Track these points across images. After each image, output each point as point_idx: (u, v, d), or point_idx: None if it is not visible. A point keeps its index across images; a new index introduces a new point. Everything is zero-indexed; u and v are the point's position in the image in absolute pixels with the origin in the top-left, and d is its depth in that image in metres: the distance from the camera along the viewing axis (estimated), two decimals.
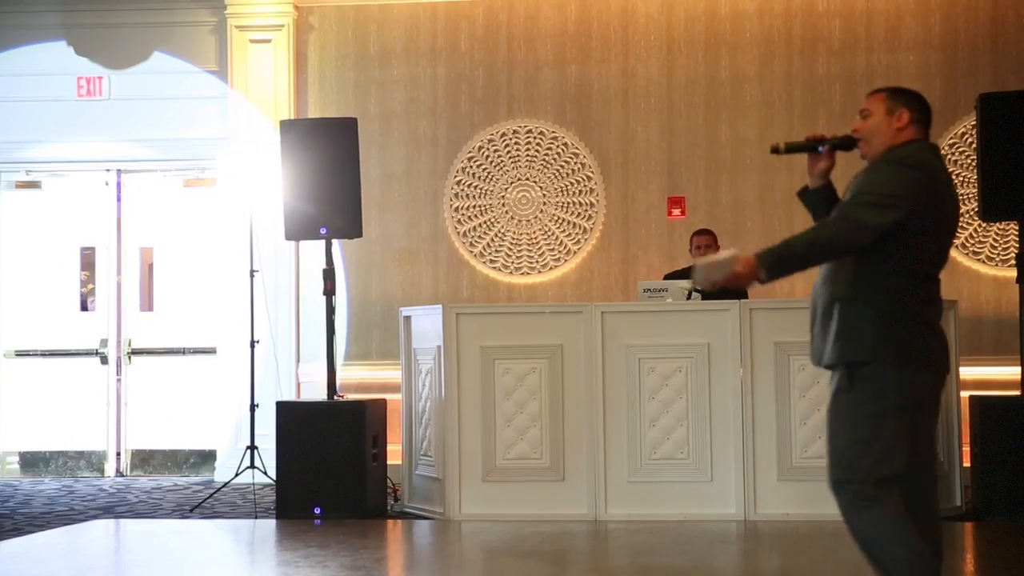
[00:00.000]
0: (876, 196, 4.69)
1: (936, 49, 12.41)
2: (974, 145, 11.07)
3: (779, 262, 4.60)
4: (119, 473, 13.05)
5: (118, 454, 13.16)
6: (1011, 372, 10.24)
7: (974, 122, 10.76)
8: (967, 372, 10.28)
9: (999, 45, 12.24)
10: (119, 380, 13.16)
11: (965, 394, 10.05)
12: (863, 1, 12.52)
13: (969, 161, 11.70)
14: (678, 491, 9.55)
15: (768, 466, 9.53)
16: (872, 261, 4.69)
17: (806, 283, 12.39)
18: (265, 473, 10.66)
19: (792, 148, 4.76)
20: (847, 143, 4.83)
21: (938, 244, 4.90)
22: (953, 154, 12.27)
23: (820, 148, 4.70)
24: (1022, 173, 9.75)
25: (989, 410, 9.78)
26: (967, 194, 11.49)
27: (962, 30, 12.34)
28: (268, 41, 12.75)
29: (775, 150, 4.73)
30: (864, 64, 12.51)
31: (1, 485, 12.39)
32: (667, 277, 10.91)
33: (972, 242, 12.28)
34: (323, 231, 10.48)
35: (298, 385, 12.29)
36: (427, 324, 10.14)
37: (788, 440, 9.54)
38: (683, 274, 10.82)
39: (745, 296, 10.66)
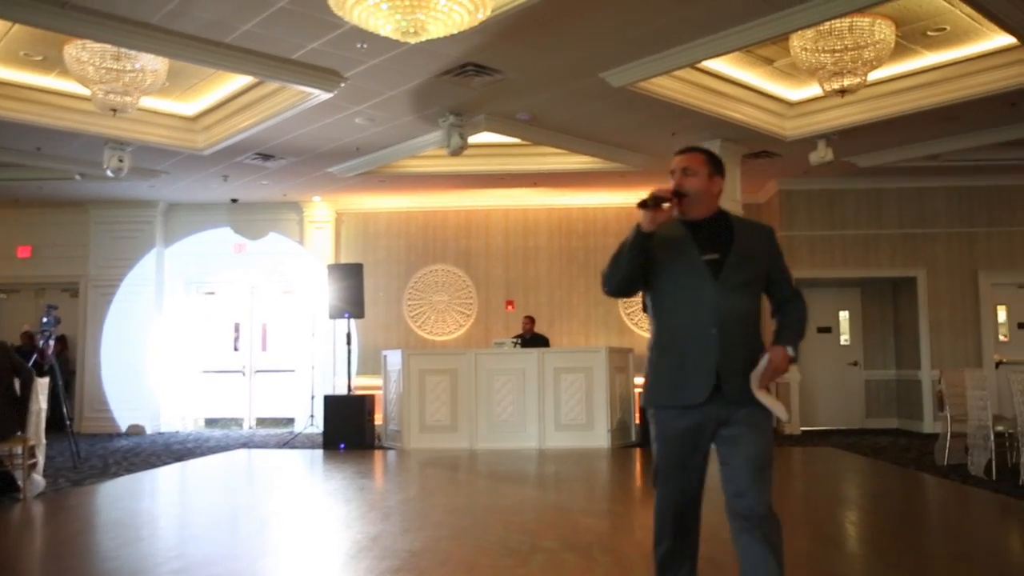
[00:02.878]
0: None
1: (624, 235, 12.43)
2: None
3: (799, 342, 2.82)
4: (250, 428, 12.86)
5: (249, 419, 13.01)
6: None
7: None
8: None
9: None
10: (250, 383, 13.00)
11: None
12: (591, 213, 12.64)
13: None
14: (510, 435, 9.52)
15: (550, 423, 9.53)
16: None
17: (571, 338, 12.77)
18: (317, 428, 10.68)
19: (655, 201, 2.76)
20: (681, 197, 2.83)
21: None
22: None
23: (665, 204, 2.77)
24: None
25: None
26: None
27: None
28: (323, 228, 12.74)
29: (643, 204, 2.77)
30: (593, 243, 12.57)
31: (196, 433, 12.21)
32: (500, 341, 10.58)
33: (641, 319, 12.31)
34: (346, 314, 10.54)
35: (334, 387, 12.07)
36: (394, 359, 10.03)
37: (559, 411, 9.55)
38: (531, 337, 10.80)
39: (546, 344, 10.83)
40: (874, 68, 7.09)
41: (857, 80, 7.01)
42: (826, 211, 11.59)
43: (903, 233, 11.49)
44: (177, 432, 12.35)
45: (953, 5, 6.50)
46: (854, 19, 6.65)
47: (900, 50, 7.41)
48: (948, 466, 7.71)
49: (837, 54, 6.84)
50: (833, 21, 6.51)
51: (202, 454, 9.50)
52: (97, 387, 12.41)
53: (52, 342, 8.58)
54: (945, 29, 7.11)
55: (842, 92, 7.13)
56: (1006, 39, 6.98)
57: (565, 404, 9.61)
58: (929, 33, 7.20)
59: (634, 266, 2.86)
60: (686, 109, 8.30)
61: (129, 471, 8.06)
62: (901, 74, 8.09)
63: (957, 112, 8.26)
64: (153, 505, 6.66)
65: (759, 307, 2.88)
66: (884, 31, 6.83)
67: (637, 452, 9.21)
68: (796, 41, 7.01)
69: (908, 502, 6.49)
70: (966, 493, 6.56)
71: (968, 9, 6.29)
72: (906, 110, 8.20)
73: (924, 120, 8.53)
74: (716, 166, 2.92)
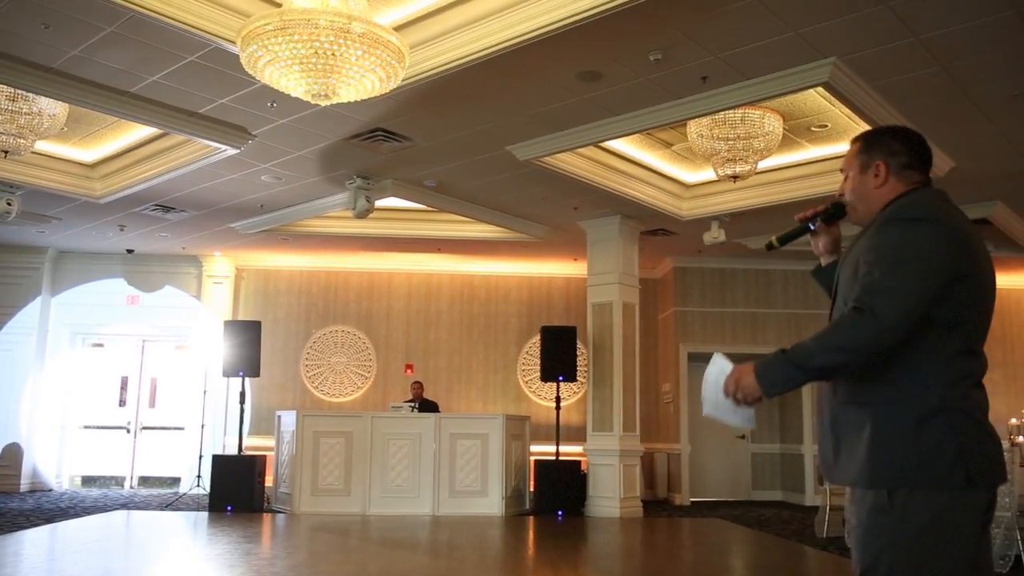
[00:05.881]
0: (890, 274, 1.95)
1: (524, 304, 12.57)
2: (538, 350, 10.93)
3: (773, 368, 2.03)
4: (131, 487, 12.20)
5: (131, 478, 12.35)
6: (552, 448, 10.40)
7: (539, 339, 10.87)
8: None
9: (552, 303, 12.65)
10: (135, 441, 12.38)
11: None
12: (493, 280, 12.72)
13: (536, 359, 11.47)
14: (404, 501, 9.36)
15: (445, 489, 9.42)
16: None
17: (468, 404, 12.77)
18: (204, 489, 10.24)
19: (785, 239, 2.40)
20: (837, 211, 2.32)
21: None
22: (529, 353, 12.42)
23: (812, 226, 2.35)
24: (558, 364, 10.00)
25: (542, 464, 9.91)
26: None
27: (536, 295, 12.62)
28: (221, 283, 12.43)
29: (770, 246, 2.41)
30: (494, 310, 12.61)
31: (71, 492, 11.49)
32: (397, 405, 10.34)
33: (538, 387, 12.46)
34: (240, 373, 10.21)
35: (224, 446, 11.59)
36: (289, 419, 9.81)
37: (454, 477, 9.45)
38: (421, 403, 10.64)
39: (436, 410, 10.71)
40: (764, 157, 7.46)
41: (748, 167, 7.35)
42: (717, 289, 11.99)
43: (788, 313, 11.96)
44: (50, 491, 11.60)
45: (834, 105, 6.93)
46: (746, 111, 7.02)
47: (787, 142, 7.83)
48: (827, 538, 7.92)
49: (730, 142, 7.18)
50: (727, 111, 6.84)
51: (76, 515, 8.93)
52: None
53: None
54: (827, 126, 7.57)
55: (734, 177, 7.46)
56: None
57: (460, 470, 9.53)
58: (813, 128, 7.64)
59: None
60: (588, 185, 8.52)
61: None
62: (788, 164, 8.53)
63: None
64: (15, 572, 6.17)
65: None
66: (773, 124, 7.23)
67: (531, 520, 9.15)
68: (693, 127, 7.33)
69: (788, 574, 6.61)
70: (842, 565, 6.73)
71: (847, 110, 6.72)
72: (792, 197, 8.62)
73: (808, 207, 8.97)
74: (870, 149, 2.19)
